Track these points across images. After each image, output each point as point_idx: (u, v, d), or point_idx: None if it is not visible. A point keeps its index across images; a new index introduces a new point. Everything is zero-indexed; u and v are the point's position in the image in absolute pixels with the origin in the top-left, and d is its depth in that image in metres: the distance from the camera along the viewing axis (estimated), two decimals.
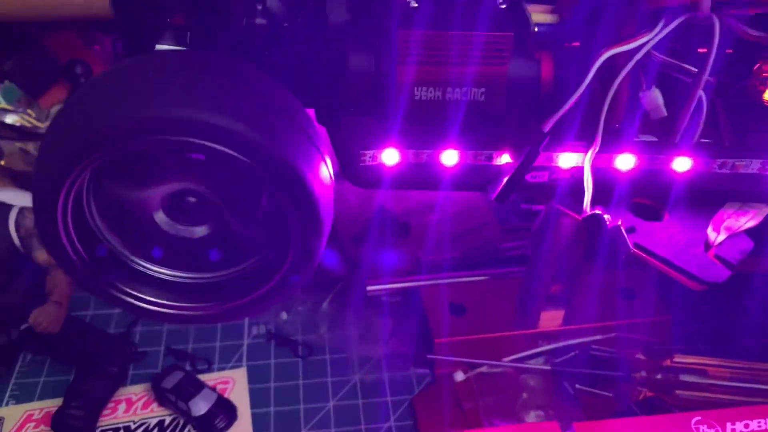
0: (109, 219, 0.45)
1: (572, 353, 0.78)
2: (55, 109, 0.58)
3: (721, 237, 0.49)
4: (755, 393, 0.69)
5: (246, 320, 0.81)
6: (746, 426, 0.59)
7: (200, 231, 0.46)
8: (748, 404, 0.66)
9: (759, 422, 0.60)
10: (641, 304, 0.79)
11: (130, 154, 0.42)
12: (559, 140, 0.49)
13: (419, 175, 0.49)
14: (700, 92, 0.47)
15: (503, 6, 0.47)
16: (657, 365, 0.73)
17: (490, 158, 0.49)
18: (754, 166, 0.50)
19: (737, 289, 0.78)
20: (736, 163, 0.50)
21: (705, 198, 0.51)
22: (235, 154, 0.39)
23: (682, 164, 0.50)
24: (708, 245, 0.49)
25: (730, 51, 0.49)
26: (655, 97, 0.48)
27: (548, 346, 0.78)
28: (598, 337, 0.78)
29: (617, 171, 0.50)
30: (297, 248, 0.43)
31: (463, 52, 0.47)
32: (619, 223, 0.45)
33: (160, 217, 0.46)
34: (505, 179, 0.46)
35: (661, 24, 0.45)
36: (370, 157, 0.48)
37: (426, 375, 0.75)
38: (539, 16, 0.50)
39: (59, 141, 0.40)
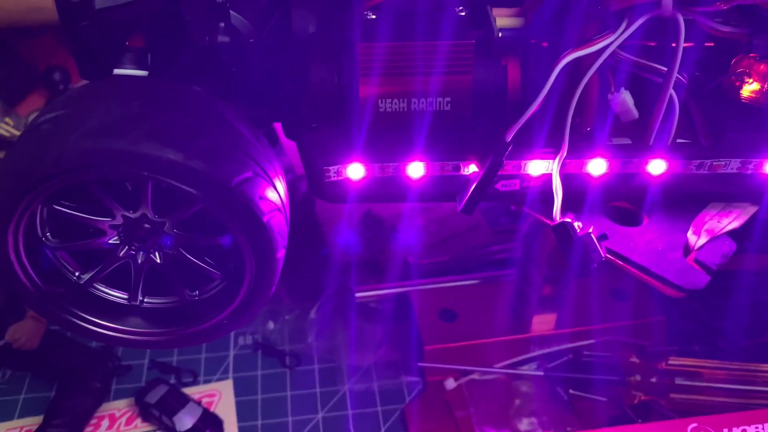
0: (64, 243, 0.44)
1: (565, 358, 0.76)
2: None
3: (702, 240, 0.47)
4: (751, 395, 0.67)
5: (233, 331, 0.80)
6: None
7: (156, 257, 0.45)
8: (744, 407, 0.65)
9: (757, 427, 0.58)
10: (635, 306, 0.78)
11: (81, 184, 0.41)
12: (528, 147, 0.47)
13: (386, 189, 0.48)
14: (671, 92, 0.45)
15: (463, 13, 0.46)
16: (652, 368, 0.71)
17: (458, 168, 0.48)
18: (733, 165, 0.48)
19: (731, 288, 0.77)
20: (714, 163, 0.48)
21: (685, 200, 0.50)
22: (174, 182, 0.38)
23: (657, 167, 0.48)
24: (687, 249, 0.47)
25: (710, 46, 0.47)
26: (624, 100, 0.46)
27: (541, 351, 0.77)
28: (591, 341, 0.76)
29: (589, 176, 0.48)
30: (252, 273, 0.42)
31: (426, 62, 0.46)
32: (590, 230, 0.44)
33: (115, 242, 0.45)
34: (471, 189, 0.45)
35: (624, 24, 0.43)
36: (335, 172, 0.47)
37: (417, 383, 0.73)
38: (504, 20, 0.49)
39: (3, 176, 0.40)
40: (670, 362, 0.71)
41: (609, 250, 0.47)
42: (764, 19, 0.45)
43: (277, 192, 0.41)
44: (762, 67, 0.48)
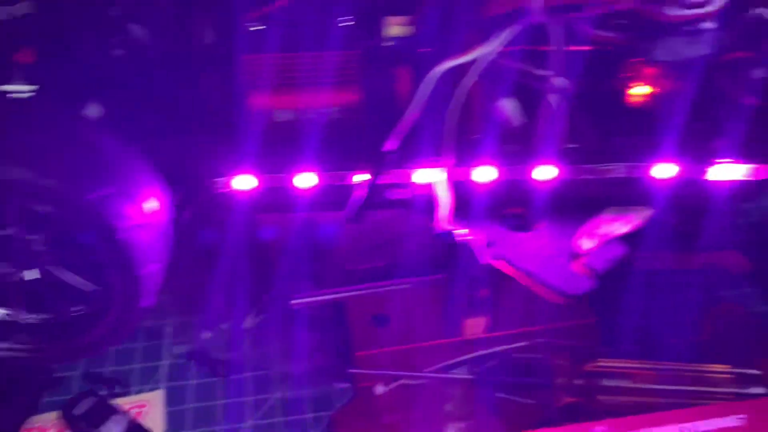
0: None
1: (496, 361, 0.76)
2: None
3: (592, 245, 0.47)
4: (679, 395, 0.67)
5: (167, 340, 0.80)
6: None
7: (30, 274, 0.45)
8: (672, 406, 0.65)
9: (665, 429, 0.58)
10: (568, 307, 0.78)
11: None
12: (416, 156, 0.47)
13: (275, 199, 0.48)
14: (554, 98, 0.45)
15: (349, 23, 0.46)
16: (579, 370, 0.71)
17: (347, 178, 0.48)
18: (620, 169, 0.48)
19: (665, 287, 0.77)
20: (602, 167, 0.48)
21: (578, 205, 0.50)
22: (28, 200, 0.38)
23: (545, 172, 0.48)
24: (576, 255, 0.47)
25: (600, 51, 0.47)
26: (507, 107, 0.46)
27: (472, 355, 0.76)
28: (522, 343, 0.76)
29: (477, 183, 0.48)
30: (119, 288, 0.41)
31: (313, 73, 0.46)
32: (473, 237, 0.44)
33: None
34: (356, 199, 0.45)
35: (499, 33, 0.43)
36: (222, 184, 0.47)
37: (349, 389, 0.73)
38: (395, 29, 0.49)
39: None
40: (596, 364, 0.71)
41: (497, 256, 0.47)
42: (646, 24, 0.45)
43: (142, 208, 0.41)
44: (648, 71, 0.49)
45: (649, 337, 0.76)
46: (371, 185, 0.43)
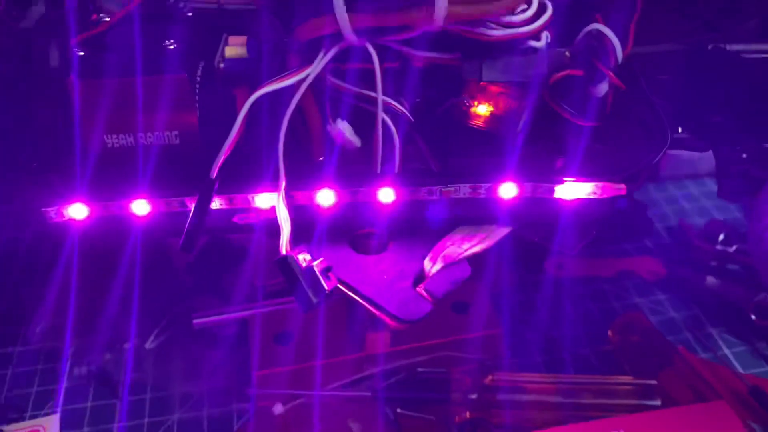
0: None
1: (399, 376, 0.76)
2: None
3: (437, 267, 0.47)
4: (578, 407, 0.67)
5: (68, 362, 0.78)
6: None
7: None
8: (570, 420, 0.64)
9: None
10: (475, 319, 0.77)
11: None
12: (256, 180, 0.46)
13: (112, 227, 0.47)
14: (386, 119, 0.45)
15: (173, 47, 0.45)
16: (477, 384, 0.70)
17: (184, 204, 0.47)
18: (464, 190, 0.48)
19: (576, 296, 0.77)
20: (444, 189, 0.47)
21: (424, 226, 0.49)
22: None
23: (386, 195, 0.47)
24: (420, 277, 0.46)
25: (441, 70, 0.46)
26: (340, 129, 0.45)
27: (374, 371, 0.76)
28: (426, 357, 0.75)
29: (320, 207, 0.47)
30: None
31: (145, 97, 0.45)
32: (315, 263, 0.43)
33: None
34: (186, 227, 0.44)
35: (321, 55, 0.42)
36: (55, 213, 0.46)
37: (249, 409, 0.72)
38: (233, 49, 0.48)
39: None
40: (494, 377, 0.70)
41: (340, 281, 0.46)
42: (473, 45, 0.44)
43: None
44: (486, 91, 0.48)
45: (555, 348, 0.76)
46: (197, 212, 0.42)
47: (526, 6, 0.42)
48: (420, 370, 0.74)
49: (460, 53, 0.45)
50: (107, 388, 0.75)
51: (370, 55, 0.44)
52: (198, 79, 0.46)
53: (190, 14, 0.49)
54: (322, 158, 0.47)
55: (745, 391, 0.66)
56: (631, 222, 0.83)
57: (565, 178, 0.46)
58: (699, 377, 0.67)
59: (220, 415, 0.74)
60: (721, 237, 0.81)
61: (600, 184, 0.47)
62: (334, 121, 0.45)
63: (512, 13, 0.42)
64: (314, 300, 0.43)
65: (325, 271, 0.45)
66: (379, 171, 0.47)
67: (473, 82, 0.48)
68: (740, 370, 0.71)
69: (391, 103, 0.45)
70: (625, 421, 0.58)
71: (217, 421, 0.74)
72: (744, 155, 0.52)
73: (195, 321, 0.79)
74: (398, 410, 0.72)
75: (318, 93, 0.45)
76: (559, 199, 0.47)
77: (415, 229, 0.48)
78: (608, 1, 0.51)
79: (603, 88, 0.46)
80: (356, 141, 0.46)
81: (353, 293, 0.46)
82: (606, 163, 0.48)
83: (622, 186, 0.47)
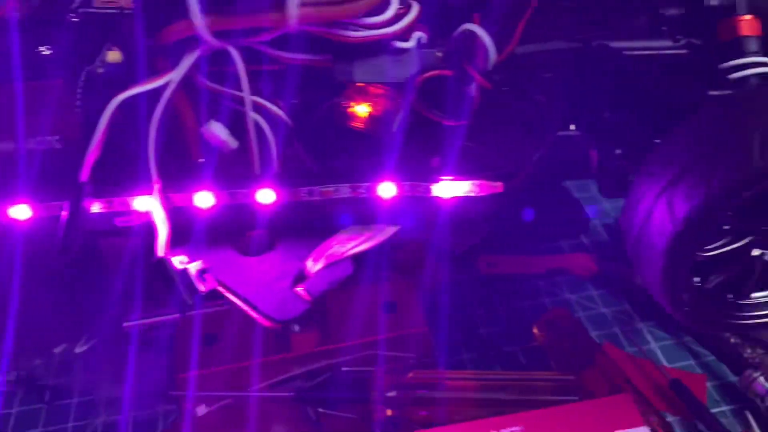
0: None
1: (324, 376, 0.76)
2: None
3: (318, 266, 0.47)
4: (498, 403, 0.67)
5: None
6: None
7: None
8: (490, 416, 0.65)
9: None
10: (403, 317, 0.77)
11: None
12: (132, 183, 0.47)
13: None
14: (259, 120, 0.45)
15: (47, 52, 0.45)
16: (397, 382, 0.71)
17: (63, 208, 0.47)
18: (343, 190, 0.48)
19: (498, 294, 0.77)
20: (323, 189, 0.48)
21: (312, 227, 0.49)
22: None
23: (266, 196, 0.48)
24: (301, 277, 0.47)
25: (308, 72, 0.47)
26: (215, 131, 0.45)
27: (298, 371, 0.76)
28: (352, 356, 0.76)
29: (198, 209, 0.48)
30: None
31: (21, 102, 0.45)
32: (191, 264, 0.43)
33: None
34: (61, 231, 0.44)
35: (181, 60, 0.42)
36: None
37: (174, 412, 0.72)
38: (114, 54, 0.48)
39: None
40: (414, 375, 0.71)
41: (219, 282, 0.47)
42: (340, 46, 0.44)
43: None
44: (365, 92, 0.48)
45: (483, 346, 0.76)
46: (69, 216, 0.42)
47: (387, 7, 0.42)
48: (344, 369, 0.74)
49: (331, 55, 0.45)
50: (34, 392, 0.75)
51: (250, 58, 0.45)
52: (81, 84, 0.46)
53: (76, 20, 0.50)
54: (202, 160, 0.47)
55: (666, 384, 0.67)
56: (567, 220, 0.84)
57: (441, 177, 0.47)
58: (620, 372, 0.67)
59: (145, 417, 0.74)
60: None
61: (477, 182, 0.47)
62: (208, 122, 0.45)
63: (368, 14, 0.42)
64: (189, 301, 0.44)
65: (202, 272, 0.45)
66: (257, 172, 0.47)
67: (353, 84, 0.48)
68: (666, 363, 0.72)
69: (264, 105, 0.45)
70: (527, 417, 0.58)
71: (142, 423, 0.74)
72: (618, 151, 0.53)
73: (125, 324, 0.80)
74: (320, 410, 0.72)
75: (193, 95, 0.45)
76: (437, 197, 0.47)
77: (305, 229, 0.48)
78: (491, 2, 0.52)
79: (474, 88, 0.46)
80: (232, 142, 0.46)
81: (231, 294, 0.46)
82: (484, 161, 0.48)
83: (499, 183, 0.47)
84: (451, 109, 0.45)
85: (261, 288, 0.45)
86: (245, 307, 0.44)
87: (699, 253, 0.43)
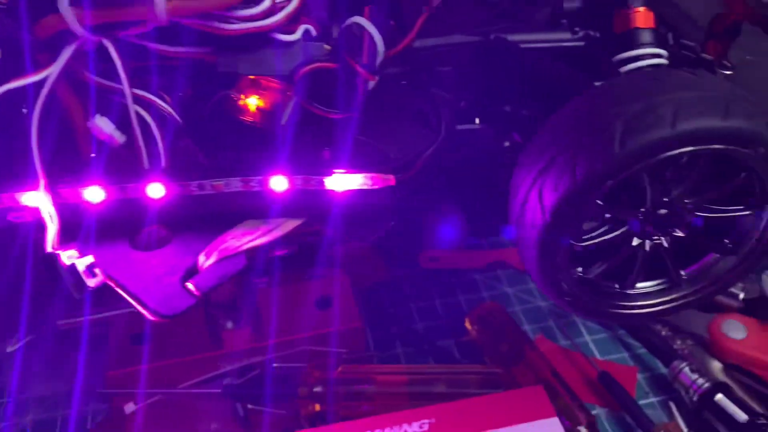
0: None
1: (255, 372, 0.76)
2: None
3: (210, 261, 0.47)
4: (427, 397, 0.67)
5: None
6: None
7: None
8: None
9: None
10: (337, 313, 0.77)
11: None
12: (22, 178, 0.46)
13: None
14: (143, 113, 0.45)
15: None
16: (327, 378, 0.71)
17: None
18: (235, 184, 0.48)
19: (429, 288, 0.77)
20: (214, 183, 0.48)
21: (207, 221, 0.49)
22: None
23: (156, 190, 0.47)
24: (192, 272, 0.46)
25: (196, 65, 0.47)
26: (100, 125, 0.45)
27: (229, 368, 0.76)
28: (284, 353, 0.76)
29: (88, 203, 0.47)
30: None
31: None
32: (76, 260, 0.43)
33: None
34: None
35: (63, 53, 0.42)
36: None
37: (105, 409, 0.72)
38: None
39: None
40: (342, 370, 0.71)
41: (109, 277, 0.46)
42: (222, 39, 0.44)
43: None
44: (256, 85, 0.48)
45: (417, 340, 0.76)
46: None
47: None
48: (275, 365, 0.74)
49: (213, 47, 0.45)
50: None
51: (139, 52, 0.45)
52: None
53: None
54: (93, 155, 0.47)
55: (596, 376, 0.67)
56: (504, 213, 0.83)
57: (334, 170, 0.47)
58: (547, 365, 0.67)
59: (77, 415, 0.74)
60: None
61: (369, 174, 0.47)
62: (93, 117, 0.45)
63: (242, 6, 0.42)
64: (76, 296, 0.43)
65: (91, 267, 0.45)
66: (146, 166, 0.47)
67: (246, 77, 0.48)
68: (598, 356, 0.72)
69: (150, 99, 0.45)
70: (439, 409, 0.58)
71: (74, 421, 0.73)
72: (506, 143, 0.53)
73: (59, 322, 0.79)
74: (249, 406, 0.72)
75: (82, 90, 0.45)
76: (331, 190, 0.47)
77: (204, 223, 0.48)
78: None
79: (361, 81, 0.46)
80: (119, 137, 0.46)
81: (120, 289, 0.46)
82: (378, 154, 0.48)
83: (391, 176, 0.47)
84: (339, 103, 0.45)
85: (150, 282, 0.45)
86: (133, 302, 0.44)
87: (577, 243, 0.43)
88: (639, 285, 0.46)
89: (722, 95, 0.40)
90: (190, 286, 0.44)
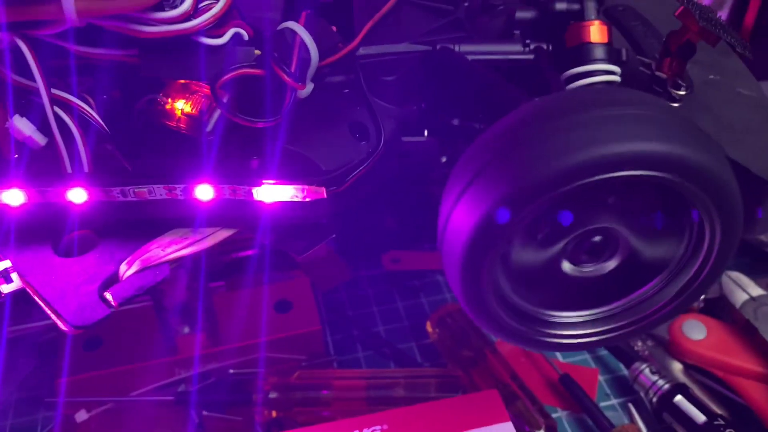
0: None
1: (211, 378, 0.74)
2: None
3: (132, 271, 0.45)
4: (385, 401, 0.66)
5: None
6: None
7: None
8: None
9: None
10: (297, 317, 0.76)
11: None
12: None
13: None
14: (62, 115, 0.43)
15: None
16: (284, 383, 0.70)
17: None
18: (159, 191, 0.46)
19: (409, 290, 0.76)
20: (137, 189, 0.46)
21: (132, 228, 0.48)
22: None
23: (78, 195, 0.46)
24: (112, 281, 0.45)
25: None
26: (19, 126, 0.44)
27: (185, 374, 0.75)
28: (242, 359, 0.74)
29: (9, 207, 0.46)
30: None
31: None
32: None
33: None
34: None
35: None
36: None
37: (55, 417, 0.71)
38: None
39: None
40: (299, 375, 0.69)
41: (26, 282, 0.45)
42: (148, 43, 0.43)
43: None
44: (184, 90, 0.47)
45: (378, 343, 0.75)
46: None
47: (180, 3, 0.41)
48: (231, 371, 0.73)
49: (136, 50, 0.43)
50: None
51: (58, 52, 0.43)
52: None
53: None
54: (17, 156, 0.46)
55: (557, 379, 0.67)
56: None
57: (263, 181, 0.45)
58: (507, 368, 0.66)
59: (23, 424, 0.73)
60: None
61: (300, 186, 0.45)
62: (11, 116, 0.44)
63: (155, 8, 0.40)
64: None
65: (6, 273, 0.43)
66: (68, 170, 0.45)
67: (176, 81, 0.46)
68: (560, 358, 0.72)
69: (71, 101, 0.43)
70: (391, 415, 0.57)
71: (20, 430, 0.72)
72: (444, 159, 0.51)
73: (12, 328, 0.78)
74: (204, 413, 0.70)
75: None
76: (260, 201, 0.45)
77: (130, 231, 0.47)
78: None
79: (288, 89, 0.44)
80: (40, 138, 0.44)
81: (36, 296, 0.44)
82: (310, 165, 0.46)
83: (322, 189, 0.45)
84: (267, 111, 0.43)
85: (68, 291, 0.43)
86: (48, 311, 0.42)
87: (503, 265, 0.41)
88: (568, 314, 0.44)
89: (666, 118, 0.38)
90: (108, 296, 0.42)
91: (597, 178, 0.36)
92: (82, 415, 0.72)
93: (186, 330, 0.78)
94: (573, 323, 0.45)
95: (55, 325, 0.77)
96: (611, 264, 0.45)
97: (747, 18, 0.88)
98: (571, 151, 0.36)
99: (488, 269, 0.40)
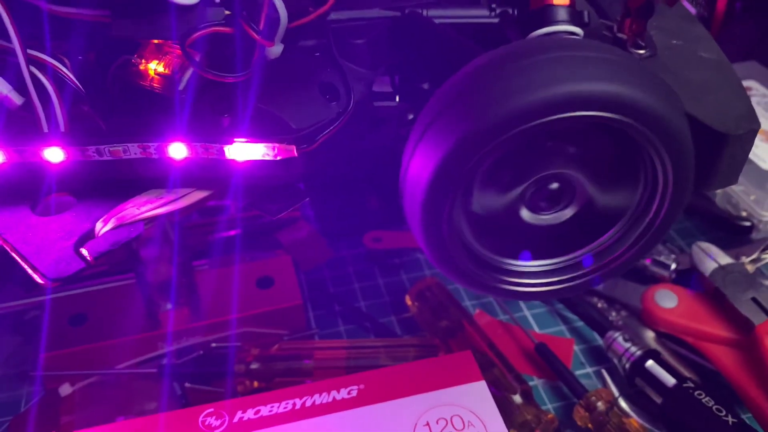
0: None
1: (194, 353, 0.75)
2: None
3: (107, 228, 0.47)
4: (361, 370, 0.66)
5: None
6: (257, 413, 0.57)
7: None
8: None
9: (271, 407, 0.57)
10: (278, 293, 0.77)
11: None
12: None
13: None
14: (38, 74, 0.44)
15: None
16: (264, 355, 0.71)
17: None
18: (133, 150, 0.47)
19: (390, 267, 0.79)
20: (112, 148, 0.47)
21: (107, 186, 0.49)
22: None
23: (54, 154, 0.47)
24: (87, 238, 0.46)
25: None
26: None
27: (168, 348, 0.76)
28: (225, 333, 0.75)
29: None
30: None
31: None
32: None
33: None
34: None
35: None
36: None
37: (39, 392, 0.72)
38: None
39: None
40: (280, 347, 0.70)
41: (3, 239, 0.46)
42: (119, 2, 0.44)
43: None
44: (158, 50, 0.48)
45: (359, 317, 0.76)
46: None
47: None
48: (213, 345, 0.74)
49: (109, 10, 0.44)
50: None
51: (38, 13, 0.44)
52: None
53: None
54: None
55: (533, 348, 0.69)
56: None
57: (235, 139, 0.46)
58: (484, 338, 0.68)
59: (8, 399, 0.74)
60: None
61: (271, 144, 0.46)
62: None
63: None
64: None
65: None
66: (45, 130, 0.46)
67: (150, 41, 0.48)
68: (536, 329, 0.74)
69: (46, 60, 0.45)
70: (367, 376, 0.58)
71: (5, 405, 0.73)
72: (410, 116, 0.52)
73: None
74: (187, 385, 0.71)
75: None
76: (232, 160, 0.47)
77: (107, 190, 0.48)
78: None
79: (258, 47, 0.46)
80: (16, 98, 0.45)
81: (13, 252, 0.45)
82: (280, 124, 0.47)
83: (293, 147, 0.46)
84: (237, 68, 0.44)
85: (44, 246, 0.44)
86: (24, 265, 0.44)
87: (463, 211, 0.42)
88: (530, 263, 0.45)
89: (619, 61, 0.39)
90: (83, 251, 0.44)
91: (548, 119, 0.37)
92: (66, 389, 0.73)
93: (168, 306, 0.79)
94: (534, 272, 0.46)
95: (39, 303, 0.78)
96: (569, 212, 0.47)
97: (719, 4, 0.89)
98: (520, 92, 0.37)
99: (448, 215, 0.41)
